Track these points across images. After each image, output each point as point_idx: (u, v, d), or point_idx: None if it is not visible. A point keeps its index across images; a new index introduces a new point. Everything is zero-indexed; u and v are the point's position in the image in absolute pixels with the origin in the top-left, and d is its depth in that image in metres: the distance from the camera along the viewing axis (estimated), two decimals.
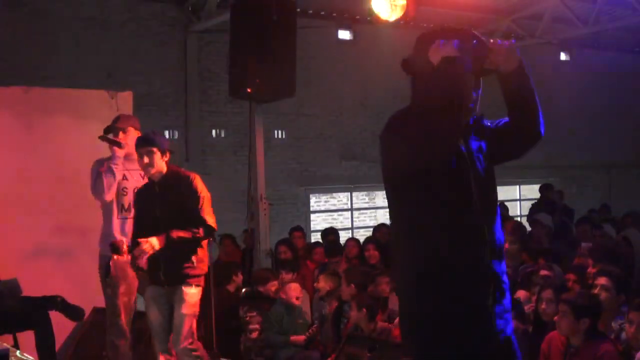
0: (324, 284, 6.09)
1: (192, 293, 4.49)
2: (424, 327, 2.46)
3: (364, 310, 5.14)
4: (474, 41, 2.43)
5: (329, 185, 11.30)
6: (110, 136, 5.05)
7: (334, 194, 11.74)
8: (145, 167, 4.52)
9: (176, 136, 9.58)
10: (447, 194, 2.42)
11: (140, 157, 4.50)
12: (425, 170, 2.37)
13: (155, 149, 4.48)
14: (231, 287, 6.38)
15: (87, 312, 5.61)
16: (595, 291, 4.50)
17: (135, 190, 4.86)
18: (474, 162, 2.50)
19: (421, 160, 2.36)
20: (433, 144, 2.32)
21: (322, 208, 11.60)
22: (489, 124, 2.64)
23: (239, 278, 6.45)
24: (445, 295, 2.40)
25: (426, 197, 2.42)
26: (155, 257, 4.39)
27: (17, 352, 3.73)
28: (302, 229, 8.66)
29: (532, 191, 12.74)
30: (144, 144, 4.50)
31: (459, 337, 2.40)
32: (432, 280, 2.42)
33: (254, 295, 6.10)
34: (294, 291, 5.95)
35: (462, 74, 2.34)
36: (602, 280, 4.55)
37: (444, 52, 2.36)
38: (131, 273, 4.78)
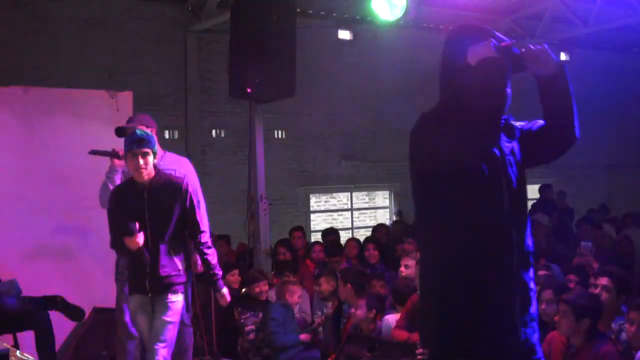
0: (326, 285, 6.07)
1: (177, 301, 4.33)
2: (446, 329, 2.41)
3: (374, 311, 5.16)
4: (508, 43, 2.41)
5: (329, 185, 11.29)
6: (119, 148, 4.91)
7: (334, 194, 11.73)
8: (137, 169, 4.26)
9: (176, 136, 9.57)
10: (478, 197, 2.38)
11: (134, 157, 4.24)
12: (457, 172, 2.33)
13: (151, 151, 4.29)
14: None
15: (87, 312, 5.61)
16: (596, 291, 4.50)
17: (114, 190, 4.57)
18: (506, 165, 2.46)
19: (453, 161, 2.32)
20: (467, 145, 2.29)
21: (322, 208, 11.59)
22: (518, 125, 2.60)
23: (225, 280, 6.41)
24: (469, 301, 2.35)
25: (456, 199, 2.38)
26: (142, 266, 4.27)
27: (17, 352, 3.73)
28: (302, 229, 8.66)
29: (532, 191, 12.73)
30: (141, 144, 4.25)
31: (482, 343, 2.35)
32: (457, 285, 2.37)
33: (246, 296, 6.08)
34: (297, 296, 5.93)
35: (502, 74, 2.32)
36: (603, 281, 4.55)
37: (483, 52, 2.34)
38: None
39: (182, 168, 5.06)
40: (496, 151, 2.43)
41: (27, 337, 5.05)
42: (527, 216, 2.53)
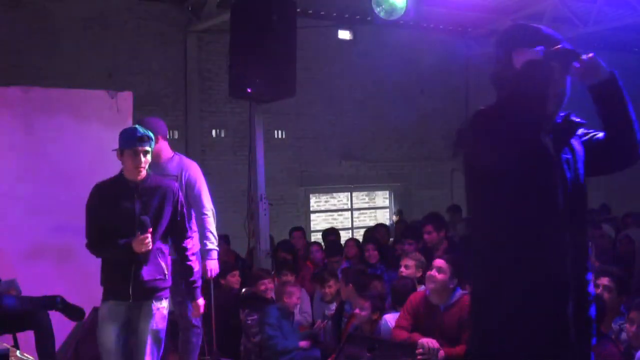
0: (335, 287, 6.06)
1: (162, 307, 4.18)
2: (494, 327, 2.36)
3: (378, 312, 5.16)
4: (560, 46, 2.36)
5: (329, 185, 11.29)
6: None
7: (334, 194, 11.73)
8: (137, 167, 4.11)
9: (176, 136, 9.57)
10: (528, 197, 2.32)
11: (135, 154, 4.09)
12: (505, 171, 2.28)
13: (150, 150, 4.18)
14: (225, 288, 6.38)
15: (87, 312, 5.60)
16: (598, 291, 4.49)
17: (98, 186, 4.31)
18: (561, 163, 2.40)
19: (504, 160, 2.27)
20: (516, 144, 2.24)
21: (322, 208, 11.60)
22: (581, 126, 2.55)
23: (225, 280, 6.42)
24: (519, 303, 2.30)
25: (505, 198, 2.32)
26: (125, 270, 4.10)
27: (17, 352, 3.73)
28: (302, 229, 8.66)
29: None
30: (143, 142, 4.10)
31: (532, 346, 2.29)
32: (506, 286, 2.32)
33: (251, 296, 6.07)
34: (296, 298, 5.91)
35: (547, 77, 2.29)
36: (604, 281, 4.55)
37: (527, 57, 2.31)
38: None
39: (186, 173, 5.05)
40: (550, 149, 2.37)
41: (27, 337, 5.05)
42: (585, 217, 2.45)
